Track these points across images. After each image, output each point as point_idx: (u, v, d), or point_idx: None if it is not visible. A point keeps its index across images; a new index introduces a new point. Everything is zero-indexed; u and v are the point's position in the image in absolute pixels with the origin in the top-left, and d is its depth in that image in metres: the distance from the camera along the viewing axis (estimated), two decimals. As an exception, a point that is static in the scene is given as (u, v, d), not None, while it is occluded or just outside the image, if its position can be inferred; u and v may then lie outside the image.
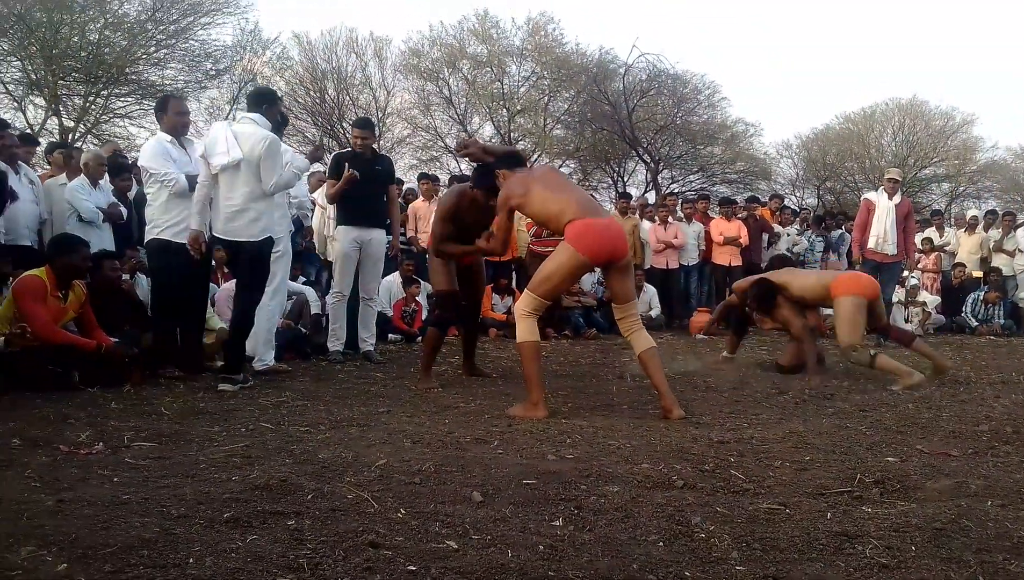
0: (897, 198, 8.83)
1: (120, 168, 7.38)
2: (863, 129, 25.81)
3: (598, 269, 5.70)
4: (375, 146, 6.92)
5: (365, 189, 6.31)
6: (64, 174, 6.84)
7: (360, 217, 6.36)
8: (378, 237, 6.52)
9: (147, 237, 5.52)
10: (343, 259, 6.44)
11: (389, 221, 6.85)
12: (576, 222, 4.27)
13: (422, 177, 10.82)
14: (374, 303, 6.70)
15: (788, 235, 11.85)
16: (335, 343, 6.54)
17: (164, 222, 5.39)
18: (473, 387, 5.29)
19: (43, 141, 12.79)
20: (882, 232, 8.72)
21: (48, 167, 7.61)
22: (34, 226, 6.44)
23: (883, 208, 8.77)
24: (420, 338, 8.22)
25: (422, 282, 8.69)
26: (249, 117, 5.27)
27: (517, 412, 4.26)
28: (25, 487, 2.71)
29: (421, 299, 8.57)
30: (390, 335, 8.11)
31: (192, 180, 5.29)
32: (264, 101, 5.45)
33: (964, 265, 11.97)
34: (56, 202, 6.60)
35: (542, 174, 4.70)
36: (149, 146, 5.50)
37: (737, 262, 10.70)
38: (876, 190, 9.44)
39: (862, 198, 9.61)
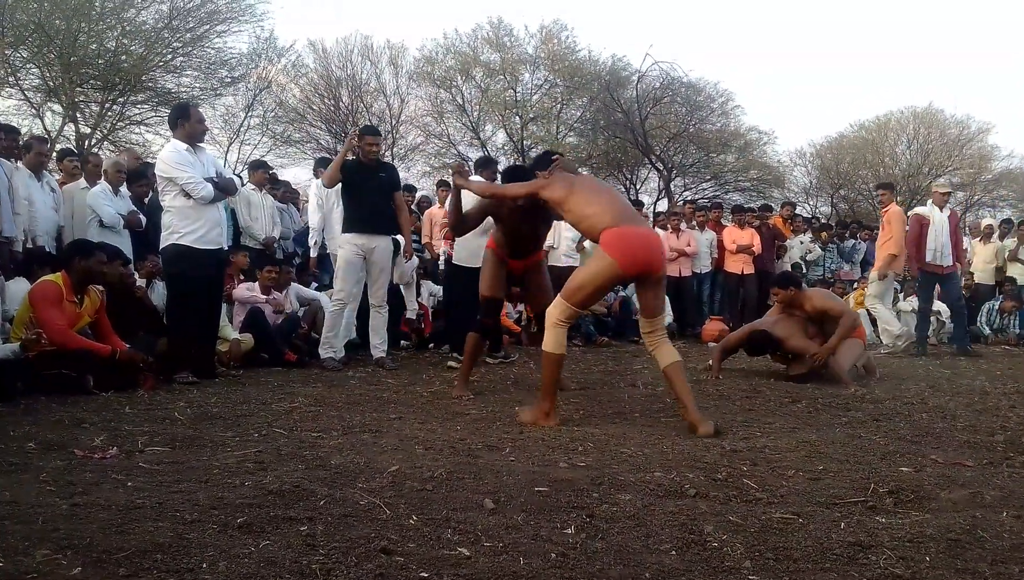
0: (947, 210, 8.93)
1: (138, 174, 7.46)
2: (877, 137, 25.68)
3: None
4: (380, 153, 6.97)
5: (370, 197, 6.36)
6: (83, 179, 6.91)
7: (365, 224, 6.38)
8: (383, 245, 6.50)
9: (163, 243, 5.56)
10: (346, 266, 6.41)
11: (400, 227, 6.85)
12: (612, 230, 4.13)
13: (441, 184, 10.83)
14: (384, 310, 6.70)
15: (801, 243, 11.81)
16: (327, 350, 6.47)
17: (181, 228, 5.43)
18: (485, 394, 5.29)
19: (58, 147, 12.91)
20: (939, 246, 8.79)
21: (60, 175, 7.69)
22: (52, 232, 6.51)
23: (939, 222, 8.82)
24: (431, 344, 8.25)
25: (425, 283, 8.75)
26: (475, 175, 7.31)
27: (527, 418, 4.26)
28: (40, 491, 2.73)
29: (424, 301, 8.59)
30: (402, 342, 8.11)
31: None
32: (482, 165, 7.71)
33: (971, 273, 11.90)
34: (77, 207, 6.68)
35: (585, 178, 4.69)
36: (168, 155, 5.49)
37: (750, 270, 10.67)
38: (925, 205, 9.33)
39: (912, 214, 9.40)
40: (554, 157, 4.76)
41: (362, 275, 6.51)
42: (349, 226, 6.44)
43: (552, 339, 4.27)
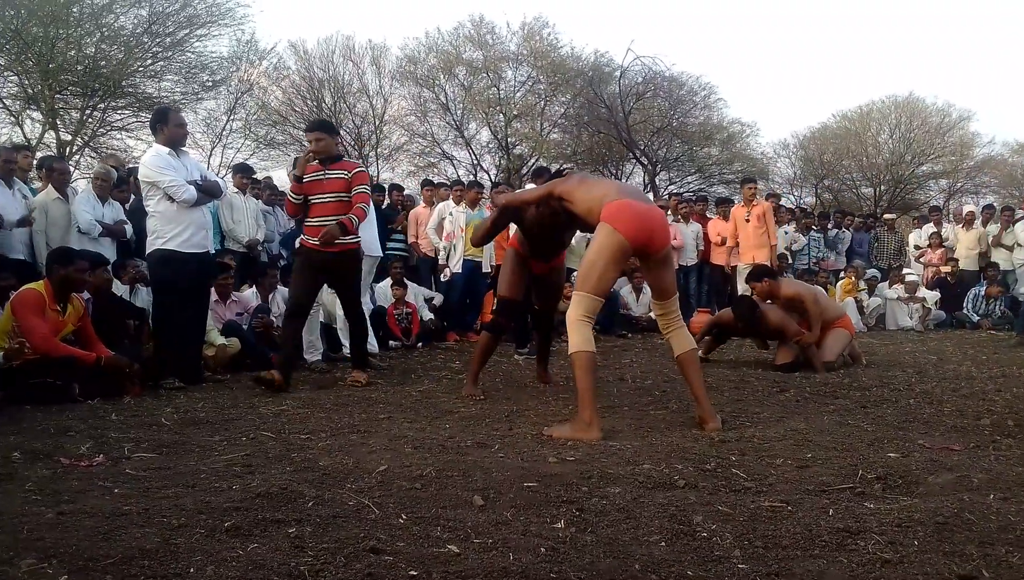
0: None
1: (117, 180, 7.40)
2: (860, 127, 25.75)
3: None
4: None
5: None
6: (51, 188, 6.83)
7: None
8: None
9: (149, 248, 5.53)
10: None
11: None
12: (612, 202, 3.98)
13: (425, 184, 10.84)
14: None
15: (786, 233, 11.85)
16: (313, 353, 6.42)
17: (168, 233, 5.41)
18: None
19: (38, 155, 12.80)
20: None
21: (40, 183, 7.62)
22: (27, 240, 6.46)
23: None
24: (420, 344, 8.23)
25: (411, 285, 8.73)
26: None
27: (564, 433, 3.76)
28: (25, 500, 2.71)
29: (412, 300, 8.56)
30: (391, 342, 8.09)
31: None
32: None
33: (956, 260, 12.00)
34: (51, 217, 6.60)
35: (595, 176, 4.71)
36: (150, 160, 5.46)
37: (735, 262, 10.68)
38: None
39: None
40: (566, 168, 4.82)
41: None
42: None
43: (577, 338, 3.89)
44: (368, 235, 7.05)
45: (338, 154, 5.74)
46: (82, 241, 6.32)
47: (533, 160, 22.03)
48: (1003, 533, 2.38)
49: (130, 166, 9.48)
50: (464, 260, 8.86)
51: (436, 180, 12.39)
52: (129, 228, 6.86)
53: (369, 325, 7.12)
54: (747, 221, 9.79)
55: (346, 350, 6.88)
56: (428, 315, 8.76)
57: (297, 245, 5.93)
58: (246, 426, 4.06)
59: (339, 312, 7.06)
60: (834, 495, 2.80)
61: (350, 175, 5.56)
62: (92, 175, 6.92)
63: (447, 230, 9.01)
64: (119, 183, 7.31)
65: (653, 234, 3.99)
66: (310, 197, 5.60)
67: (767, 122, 42.60)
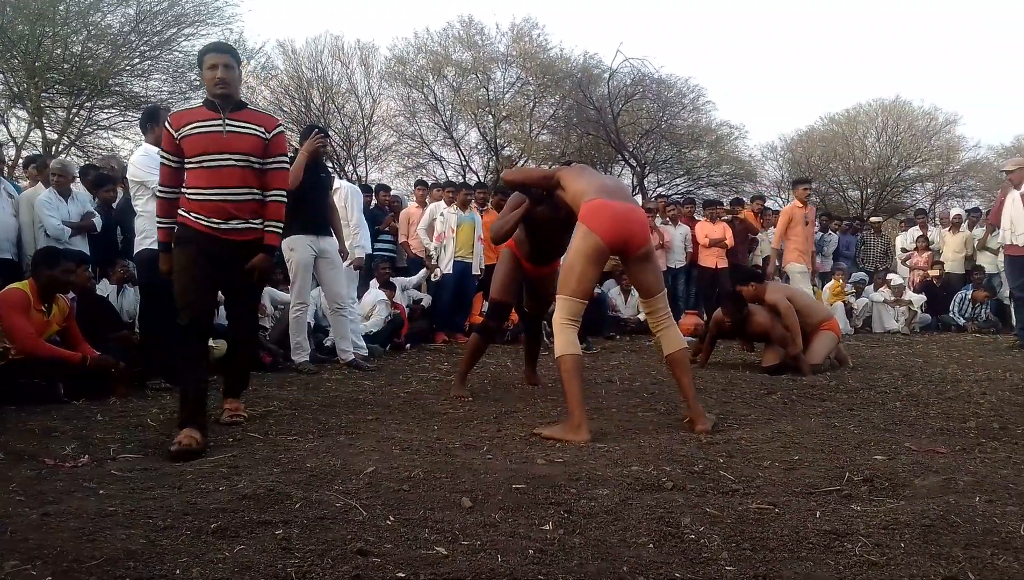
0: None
1: (104, 178, 7.35)
2: (847, 130, 25.87)
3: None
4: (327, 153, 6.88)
5: (318, 197, 6.30)
6: (40, 184, 6.77)
7: (314, 225, 6.29)
8: (332, 245, 6.46)
9: (137, 248, 5.50)
10: (303, 269, 6.31)
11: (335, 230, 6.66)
12: (590, 202, 3.98)
13: (418, 184, 10.86)
14: (346, 311, 6.60)
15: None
16: (301, 354, 6.41)
17: (155, 233, 5.36)
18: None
19: (24, 154, 12.72)
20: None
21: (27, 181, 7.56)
22: (13, 238, 6.40)
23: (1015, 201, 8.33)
24: (408, 345, 8.22)
25: (397, 281, 8.75)
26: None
27: (555, 434, 3.79)
28: (9, 501, 2.68)
29: (399, 300, 8.55)
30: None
31: None
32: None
33: (942, 263, 12.07)
34: (37, 214, 6.56)
35: (595, 171, 4.65)
36: (139, 159, 5.43)
37: (723, 264, 10.71)
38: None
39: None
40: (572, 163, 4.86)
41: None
42: (300, 228, 6.26)
43: (562, 341, 3.93)
44: (360, 232, 7.02)
45: (242, 101, 4.11)
46: (52, 242, 6.24)
47: (522, 162, 22.04)
48: (989, 535, 2.39)
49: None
50: (454, 261, 8.87)
51: (428, 181, 12.41)
52: (97, 220, 6.74)
53: (358, 329, 7.14)
54: (806, 224, 9.73)
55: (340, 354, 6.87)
56: (417, 295, 8.85)
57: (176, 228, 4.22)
58: (232, 427, 4.04)
59: (328, 314, 7.04)
60: (821, 497, 2.81)
61: (270, 136, 4.03)
62: (50, 171, 6.78)
63: (438, 230, 9.02)
64: (106, 181, 7.26)
65: (630, 234, 3.96)
66: (196, 157, 3.94)
67: (755, 125, 42.72)
